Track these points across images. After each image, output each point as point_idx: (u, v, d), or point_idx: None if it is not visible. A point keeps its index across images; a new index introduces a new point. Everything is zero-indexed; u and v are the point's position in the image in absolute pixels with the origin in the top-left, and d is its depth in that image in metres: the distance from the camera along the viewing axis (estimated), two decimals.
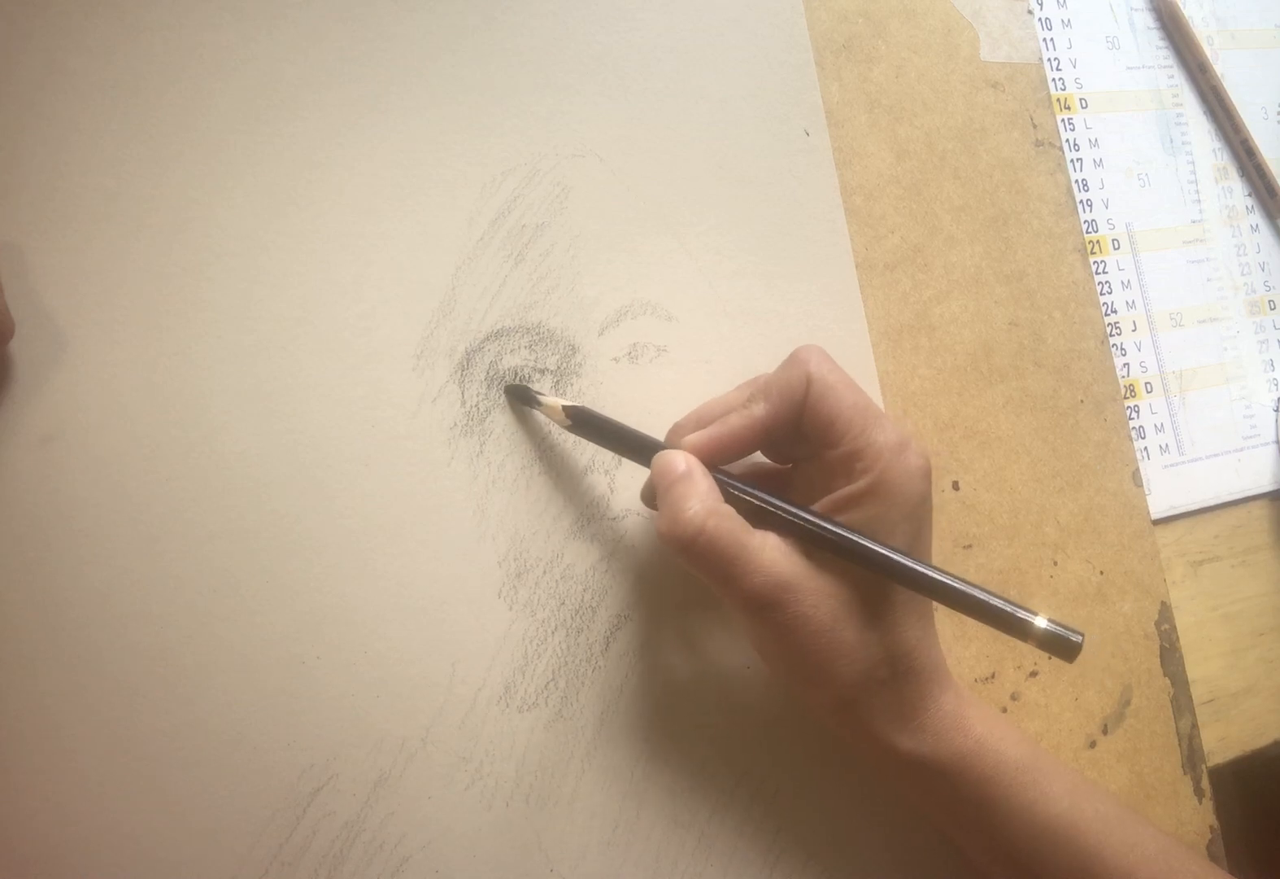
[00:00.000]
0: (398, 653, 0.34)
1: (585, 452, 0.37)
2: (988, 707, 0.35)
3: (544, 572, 0.36)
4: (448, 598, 0.35)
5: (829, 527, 0.32)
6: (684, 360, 0.39)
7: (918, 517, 0.33)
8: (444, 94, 0.37)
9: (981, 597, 0.31)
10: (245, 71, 0.35)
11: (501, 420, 0.36)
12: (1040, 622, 0.30)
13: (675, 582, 0.38)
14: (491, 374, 0.36)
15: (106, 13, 0.33)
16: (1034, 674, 0.42)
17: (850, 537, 0.32)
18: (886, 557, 0.31)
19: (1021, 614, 0.31)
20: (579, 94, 0.39)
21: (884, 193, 0.43)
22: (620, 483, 0.37)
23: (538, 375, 0.37)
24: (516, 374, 0.37)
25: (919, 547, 0.33)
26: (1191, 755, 0.44)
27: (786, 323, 0.41)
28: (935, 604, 0.33)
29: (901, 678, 0.33)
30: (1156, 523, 0.46)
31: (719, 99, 0.41)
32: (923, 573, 0.31)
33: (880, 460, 0.32)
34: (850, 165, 0.43)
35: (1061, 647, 0.30)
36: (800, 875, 0.37)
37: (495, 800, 0.34)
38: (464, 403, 0.36)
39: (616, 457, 0.37)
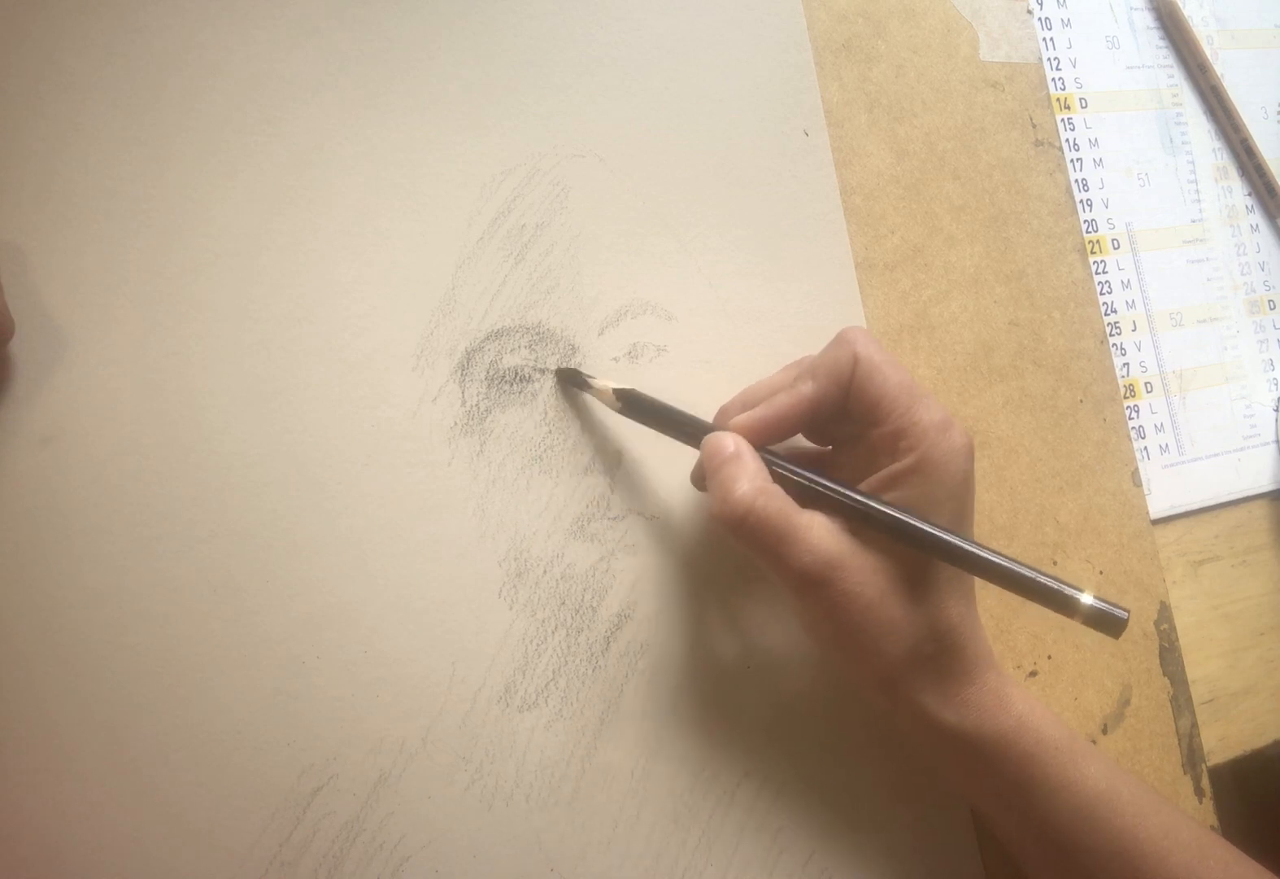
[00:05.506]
0: (398, 653, 0.34)
1: (585, 451, 0.37)
2: (1026, 688, 0.35)
3: (544, 571, 0.36)
4: (448, 598, 0.35)
5: (876, 505, 0.32)
6: (684, 360, 0.39)
7: (961, 495, 0.33)
8: (444, 94, 0.37)
9: (1029, 574, 0.31)
10: (244, 71, 0.35)
11: (501, 420, 0.36)
12: (1086, 598, 0.31)
13: (676, 581, 0.38)
14: (492, 373, 0.36)
15: (105, 13, 0.33)
16: (1034, 674, 0.42)
17: (898, 515, 0.32)
18: (935, 535, 0.32)
19: (1068, 591, 0.31)
20: (579, 94, 0.39)
21: (884, 193, 0.43)
22: (620, 483, 0.37)
23: (538, 375, 0.37)
24: (517, 374, 0.37)
25: (963, 525, 0.34)
26: (1191, 755, 0.44)
27: (786, 323, 0.41)
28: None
29: (945, 654, 0.33)
30: (1156, 523, 0.46)
31: (719, 99, 0.41)
32: (971, 551, 0.32)
33: (925, 439, 0.32)
34: (850, 165, 0.43)
35: (1107, 623, 0.31)
36: (800, 875, 0.37)
37: (495, 800, 0.34)
38: (464, 402, 0.36)
39: (617, 456, 0.37)
